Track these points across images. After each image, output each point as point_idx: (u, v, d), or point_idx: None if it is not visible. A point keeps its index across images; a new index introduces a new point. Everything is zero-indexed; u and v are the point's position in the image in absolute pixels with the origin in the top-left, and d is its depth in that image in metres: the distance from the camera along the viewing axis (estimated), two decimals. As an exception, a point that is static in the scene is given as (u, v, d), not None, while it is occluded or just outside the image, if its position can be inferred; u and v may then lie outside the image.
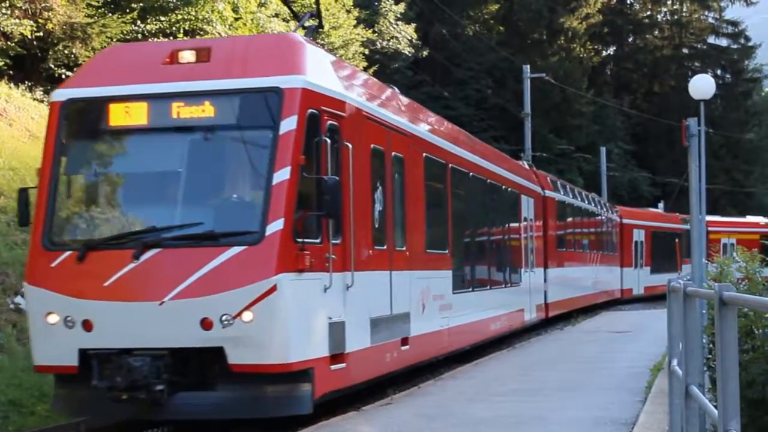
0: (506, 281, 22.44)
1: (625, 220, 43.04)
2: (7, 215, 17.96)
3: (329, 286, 11.34)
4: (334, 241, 11.52)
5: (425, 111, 17.59)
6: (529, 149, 40.71)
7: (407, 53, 42.85)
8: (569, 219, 31.92)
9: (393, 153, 14.09)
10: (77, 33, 24.07)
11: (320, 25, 17.43)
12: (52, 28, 23.81)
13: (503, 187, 22.50)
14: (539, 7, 55.87)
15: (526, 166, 29.11)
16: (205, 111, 11.21)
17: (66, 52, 24.20)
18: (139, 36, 25.48)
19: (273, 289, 10.38)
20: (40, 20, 23.54)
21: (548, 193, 28.68)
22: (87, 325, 10.75)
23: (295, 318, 10.70)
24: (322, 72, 11.83)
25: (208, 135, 11.35)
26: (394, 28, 41.84)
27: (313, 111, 11.20)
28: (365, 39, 36.16)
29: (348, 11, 34.91)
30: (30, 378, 13.39)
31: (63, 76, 23.22)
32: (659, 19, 72.44)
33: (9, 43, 23.21)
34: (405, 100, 16.26)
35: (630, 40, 71.69)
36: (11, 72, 24.06)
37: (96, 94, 11.57)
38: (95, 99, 11.59)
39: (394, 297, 13.78)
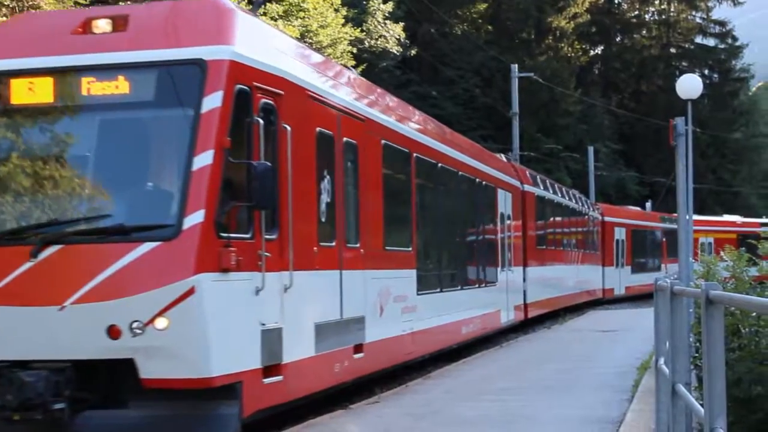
0: (480, 281, 21.16)
1: (606, 218, 42.29)
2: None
3: (262, 288, 9.92)
4: (268, 237, 10.13)
5: (386, 94, 16.10)
6: (516, 148, 40.72)
7: (395, 52, 42.81)
8: (550, 215, 30.84)
9: (345, 138, 12.72)
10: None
11: None
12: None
13: (477, 180, 21.15)
14: (527, 7, 55.96)
15: (505, 160, 27.61)
16: (119, 87, 9.82)
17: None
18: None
19: (190, 291, 8.99)
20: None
21: (527, 187, 27.40)
22: None
23: (217, 325, 9.24)
24: (257, 44, 10.42)
25: (121, 114, 10.02)
26: (382, 27, 41.79)
27: (243, 87, 9.84)
28: (353, 38, 36.10)
29: (336, 10, 34.84)
30: None
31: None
32: (647, 19, 72.72)
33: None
34: (361, 80, 14.84)
35: (618, 39, 71.87)
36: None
37: None
38: None
39: (345, 299, 12.43)
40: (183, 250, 9.11)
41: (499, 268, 22.94)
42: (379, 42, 41.55)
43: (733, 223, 54.65)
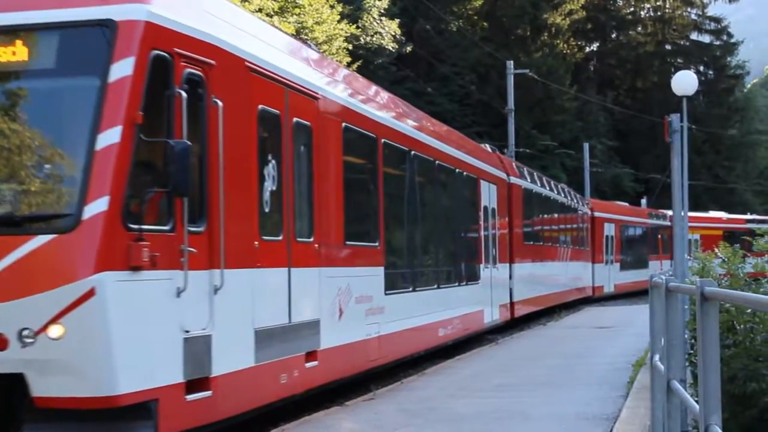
0: (460, 278, 19.73)
1: (596, 213, 41.04)
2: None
3: (184, 289, 8.55)
4: (192, 229, 8.75)
5: (352, 74, 14.48)
6: (512, 145, 40.75)
7: (391, 49, 42.79)
8: (538, 210, 29.31)
9: (295, 119, 11.22)
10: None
11: None
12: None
13: (457, 170, 19.55)
14: (523, 3, 55.92)
15: (489, 150, 25.82)
16: (17, 53, 8.43)
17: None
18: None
19: (90, 293, 7.62)
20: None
21: (514, 180, 25.71)
22: None
23: (124, 333, 7.84)
24: (182, 4, 9.09)
25: (17, 84, 8.62)
26: (377, 23, 41.78)
27: (162, 53, 8.46)
28: (349, 34, 36.07)
29: (332, 6, 34.82)
30: None
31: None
32: (642, 16, 72.73)
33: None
34: (318, 54, 13.34)
35: (613, 36, 71.92)
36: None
37: None
38: None
39: (294, 301, 10.97)
40: (82, 244, 7.76)
41: (482, 265, 21.63)
42: (374, 39, 41.54)
43: (719, 219, 54.38)
